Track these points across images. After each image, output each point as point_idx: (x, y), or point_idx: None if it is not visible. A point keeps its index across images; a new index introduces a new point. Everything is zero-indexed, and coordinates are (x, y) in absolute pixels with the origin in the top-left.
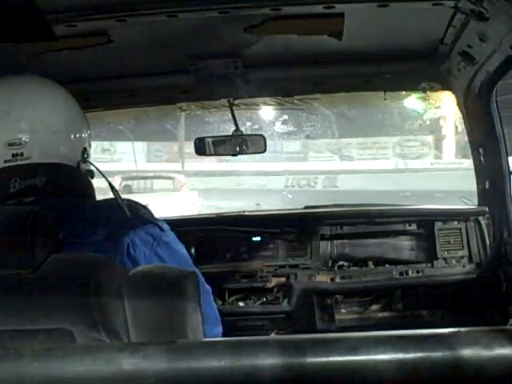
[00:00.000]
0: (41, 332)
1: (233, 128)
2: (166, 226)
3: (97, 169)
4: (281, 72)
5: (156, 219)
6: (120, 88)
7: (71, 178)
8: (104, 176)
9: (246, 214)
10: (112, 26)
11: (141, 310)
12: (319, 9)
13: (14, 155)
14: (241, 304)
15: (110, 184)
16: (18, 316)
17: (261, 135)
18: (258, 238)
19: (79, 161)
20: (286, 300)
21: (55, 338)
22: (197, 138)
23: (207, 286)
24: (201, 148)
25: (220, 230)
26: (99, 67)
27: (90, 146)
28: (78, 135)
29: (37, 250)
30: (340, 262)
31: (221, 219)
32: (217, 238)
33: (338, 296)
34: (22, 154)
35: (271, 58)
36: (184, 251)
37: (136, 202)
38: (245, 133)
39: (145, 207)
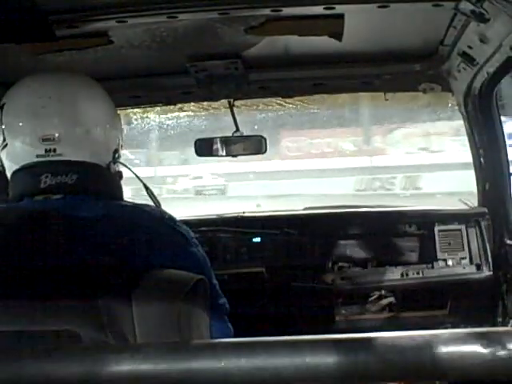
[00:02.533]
0: (47, 333)
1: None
2: (190, 235)
3: (132, 171)
4: (281, 73)
5: (180, 227)
6: (120, 89)
7: (101, 179)
8: (139, 178)
9: (246, 215)
10: (112, 26)
11: (148, 313)
12: (319, 10)
13: (46, 151)
14: (241, 305)
15: (145, 186)
16: (26, 317)
17: (261, 136)
18: (258, 239)
19: (110, 161)
20: (286, 301)
21: (62, 339)
22: (197, 139)
23: (226, 306)
24: (201, 149)
25: (220, 231)
26: (100, 68)
27: (121, 147)
28: (111, 136)
29: (47, 249)
30: (340, 263)
31: (221, 220)
32: (217, 239)
33: (338, 297)
34: (54, 150)
35: (271, 58)
36: (204, 259)
37: (160, 209)
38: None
39: (168, 214)
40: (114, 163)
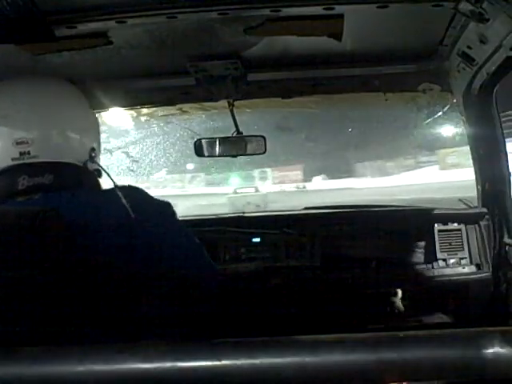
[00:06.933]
0: (41, 333)
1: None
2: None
3: (102, 169)
4: (281, 73)
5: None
6: (120, 89)
7: (78, 177)
8: (108, 174)
9: (245, 215)
10: (112, 27)
11: None
12: (319, 10)
13: (21, 154)
14: (241, 305)
15: (113, 182)
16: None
17: (261, 136)
18: (257, 239)
19: (87, 160)
20: (286, 301)
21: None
22: (197, 139)
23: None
24: (201, 149)
25: (220, 231)
26: (99, 68)
27: (99, 145)
28: (85, 135)
29: (46, 250)
30: (340, 263)
31: (221, 220)
32: (217, 239)
33: (338, 297)
34: (29, 153)
35: (271, 59)
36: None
37: (137, 188)
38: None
39: (143, 193)
40: (92, 162)
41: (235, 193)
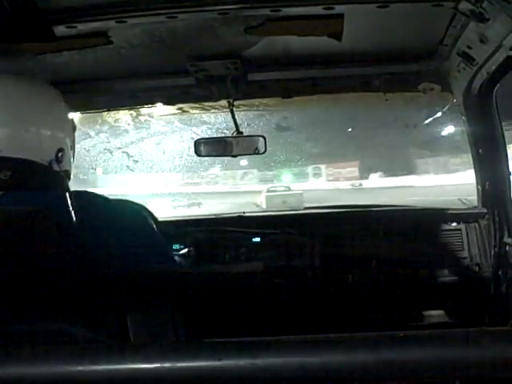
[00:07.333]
0: (41, 333)
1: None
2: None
3: (65, 171)
4: (281, 73)
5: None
6: (120, 89)
7: (38, 175)
8: (69, 177)
9: (245, 215)
10: (112, 26)
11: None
12: (319, 10)
13: None
14: (241, 305)
15: (67, 187)
16: (19, 316)
17: (261, 136)
18: (257, 239)
19: (52, 160)
20: (287, 301)
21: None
22: (197, 139)
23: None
24: (201, 149)
25: (220, 231)
26: (99, 68)
27: (71, 148)
28: (53, 135)
29: (36, 249)
30: (340, 263)
31: (221, 220)
32: (217, 239)
33: (338, 297)
34: None
35: (271, 58)
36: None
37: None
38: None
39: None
40: (58, 162)
41: (268, 191)
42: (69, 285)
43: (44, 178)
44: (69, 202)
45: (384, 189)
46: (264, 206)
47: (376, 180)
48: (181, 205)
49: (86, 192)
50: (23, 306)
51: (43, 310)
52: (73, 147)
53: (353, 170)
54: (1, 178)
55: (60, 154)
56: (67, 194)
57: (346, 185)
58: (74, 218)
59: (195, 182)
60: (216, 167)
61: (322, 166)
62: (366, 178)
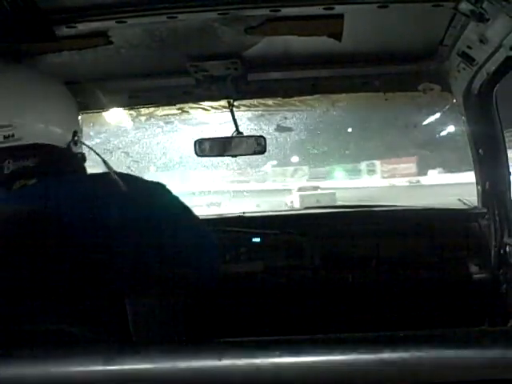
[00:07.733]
0: (41, 333)
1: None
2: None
3: (90, 148)
4: (281, 73)
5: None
6: (120, 89)
7: (62, 159)
8: (98, 154)
9: (246, 215)
10: (112, 27)
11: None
12: (319, 10)
13: (5, 137)
14: (241, 305)
15: (103, 160)
16: (19, 316)
17: (261, 136)
18: (258, 239)
19: (70, 142)
20: (287, 301)
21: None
22: (197, 140)
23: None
24: (201, 149)
25: (220, 231)
26: (99, 68)
27: (81, 130)
28: (68, 117)
29: (36, 248)
30: (340, 263)
31: (221, 220)
32: (217, 239)
33: (338, 297)
34: (13, 136)
35: (271, 59)
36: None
37: (131, 176)
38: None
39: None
40: (75, 144)
41: (299, 190)
42: (69, 284)
43: (67, 162)
44: (113, 184)
45: (444, 186)
46: (297, 205)
47: (435, 176)
48: (198, 204)
49: (128, 174)
50: (23, 306)
51: (43, 310)
52: (82, 131)
53: (409, 166)
54: (28, 166)
55: (76, 137)
56: (109, 176)
57: (402, 182)
58: (118, 202)
59: (243, 179)
60: (268, 164)
61: (377, 162)
62: (425, 174)
